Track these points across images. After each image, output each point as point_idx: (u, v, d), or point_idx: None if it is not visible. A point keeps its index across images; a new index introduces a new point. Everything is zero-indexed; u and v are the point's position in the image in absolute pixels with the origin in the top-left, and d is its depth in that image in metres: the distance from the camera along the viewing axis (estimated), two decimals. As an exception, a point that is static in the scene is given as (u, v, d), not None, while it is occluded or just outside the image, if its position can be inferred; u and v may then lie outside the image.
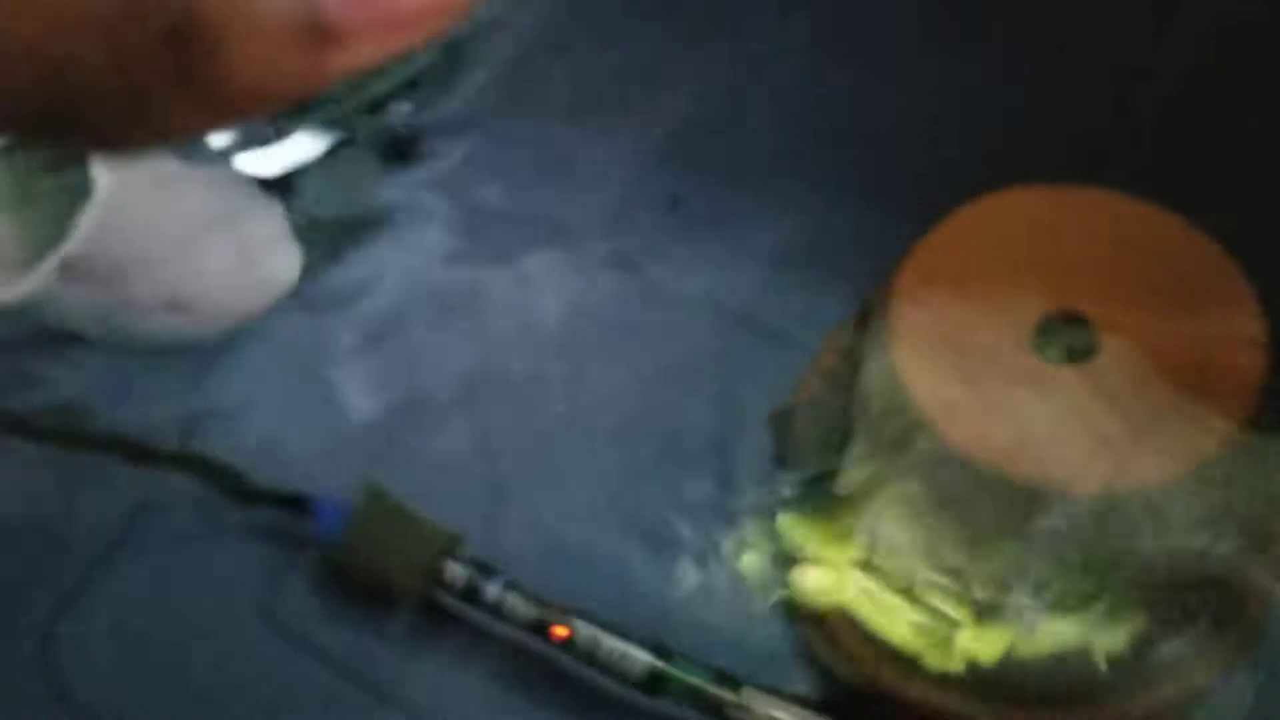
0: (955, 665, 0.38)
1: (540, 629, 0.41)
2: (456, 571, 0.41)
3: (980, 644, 0.38)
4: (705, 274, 0.48)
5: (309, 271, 0.47)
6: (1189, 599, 0.38)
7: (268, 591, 0.44)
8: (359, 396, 0.45)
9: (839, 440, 0.41)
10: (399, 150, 0.48)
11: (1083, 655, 0.38)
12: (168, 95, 0.15)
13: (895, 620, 0.39)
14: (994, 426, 0.37)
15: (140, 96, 0.15)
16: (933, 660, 0.39)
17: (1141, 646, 0.38)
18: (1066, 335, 0.39)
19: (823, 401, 0.42)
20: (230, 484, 0.44)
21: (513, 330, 0.47)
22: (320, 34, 0.16)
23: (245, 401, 0.46)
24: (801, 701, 0.40)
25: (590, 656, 0.40)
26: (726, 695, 0.39)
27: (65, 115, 0.15)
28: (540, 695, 0.42)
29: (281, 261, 0.46)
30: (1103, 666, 0.37)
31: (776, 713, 0.39)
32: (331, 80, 0.16)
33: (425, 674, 0.42)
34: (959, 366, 0.38)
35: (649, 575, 0.42)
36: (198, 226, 0.42)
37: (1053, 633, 0.38)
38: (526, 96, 0.48)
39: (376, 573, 0.42)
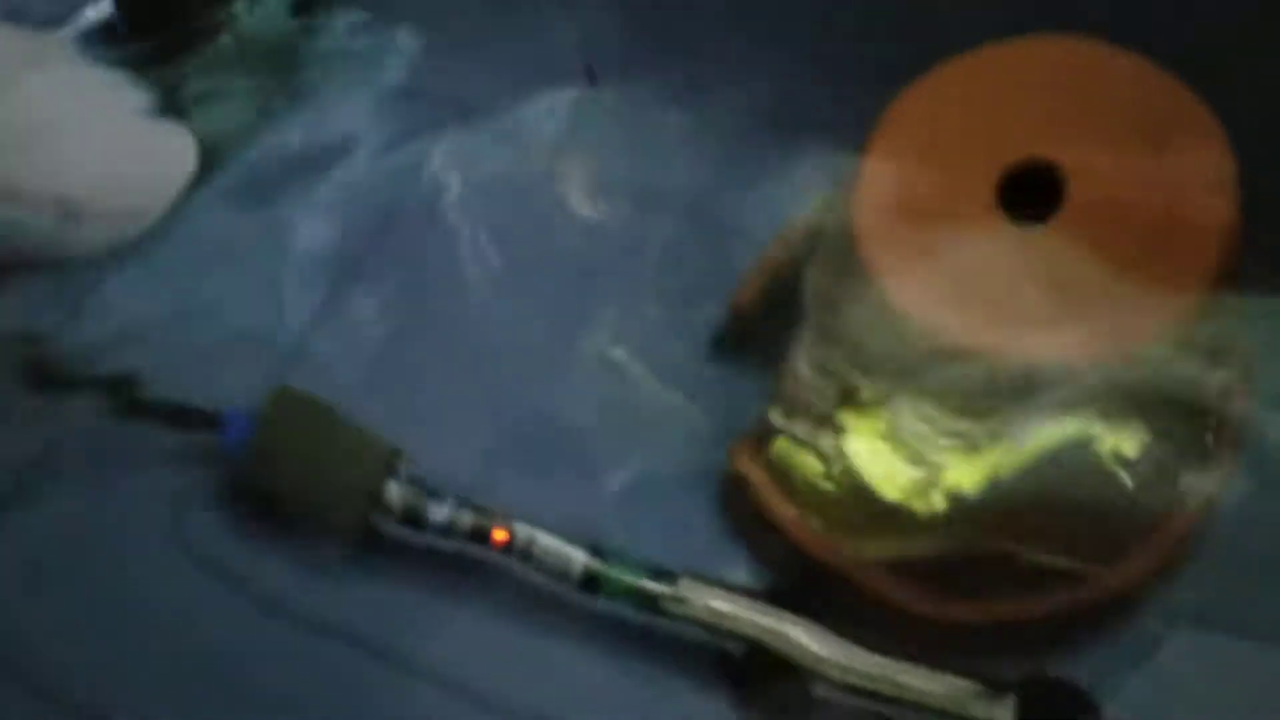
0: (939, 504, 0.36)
1: (481, 536, 0.39)
2: (396, 493, 0.39)
3: (965, 473, 0.36)
4: (653, 155, 0.45)
5: (211, 157, 0.44)
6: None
7: (181, 516, 0.41)
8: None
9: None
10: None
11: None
12: None
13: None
14: (958, 299, 0.36)
15: None
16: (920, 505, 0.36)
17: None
18: (1034, 189, 0.37)
19: (775, 288, 0.40)
20: (134, 401, 0.41)
21: (447, 221, 0.44)
22: None
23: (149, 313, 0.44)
24: (741, 590, 0.38)
25: (529, 558, 0.38)
26: (662, 589, 0.38)
27: None
28: (480, 602, 0.40)
29: (173, 145, 0.42)
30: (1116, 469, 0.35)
31: (715, 603, 0.37)
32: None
33: (355, 595, 0.40)
34: (923, 236, 0.37)
35: (586, 476, 0.41)
36: (71, 110, 0.39)
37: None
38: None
39: (306, 501, 0.40)
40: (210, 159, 0.43)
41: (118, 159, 0.41)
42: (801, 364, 0.38)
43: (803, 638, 0.36)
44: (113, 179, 0.41)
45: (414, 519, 0.39)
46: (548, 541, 0.38)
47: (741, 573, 0.39)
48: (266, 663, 0.39)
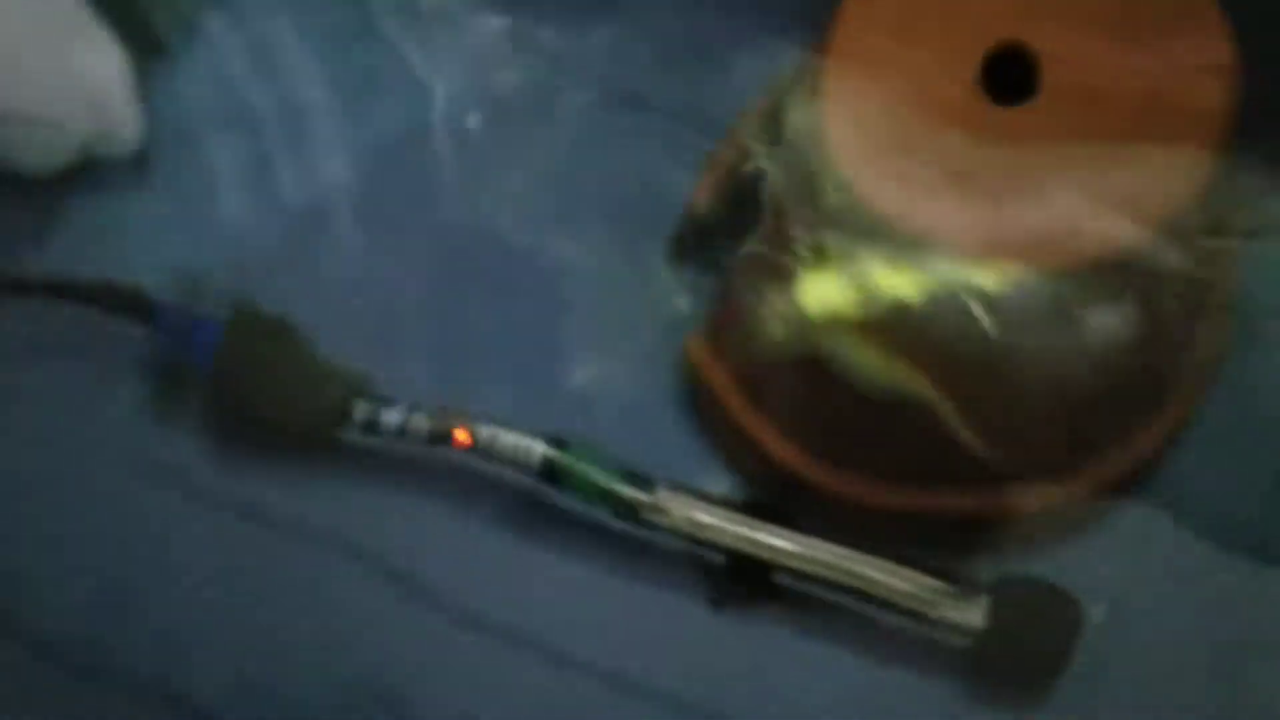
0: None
1: (442, 438, 0.38)
2: (362, 410, 0.38)
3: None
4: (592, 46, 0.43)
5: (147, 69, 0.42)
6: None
7: (143, 429, 0.40)
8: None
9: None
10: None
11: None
12: None
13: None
14: (937, 203, 0.34)
15: None
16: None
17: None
18: (1011, 75, 0.35)
19: (731, 187, 0.39)
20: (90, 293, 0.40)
21: (399, 123, 0.42)
22: None
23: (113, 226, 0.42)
24: (722, 502, 0.37)
25: (491, 456, 0.37)
26: (639, 496, 0.37)
27: None
28: (447, 503, 0.39)
29: (89, 56, 0.39)
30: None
31: (696, 514, 0.37)
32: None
33: (324, 499, 0.39)
34: (895, 132, 0.35)
35: (549, 378, 0.40)
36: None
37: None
38: None
39: (274, 419, 0.39)
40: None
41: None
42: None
43: (775, 540, 0.36)
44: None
45: (370, 426, 0.38)
46: (510, 438, 0.37)
47: (708, 474, 0.38)
48: (231, 561, 0.38)
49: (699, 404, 0.39)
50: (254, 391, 0.38)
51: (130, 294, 0.39)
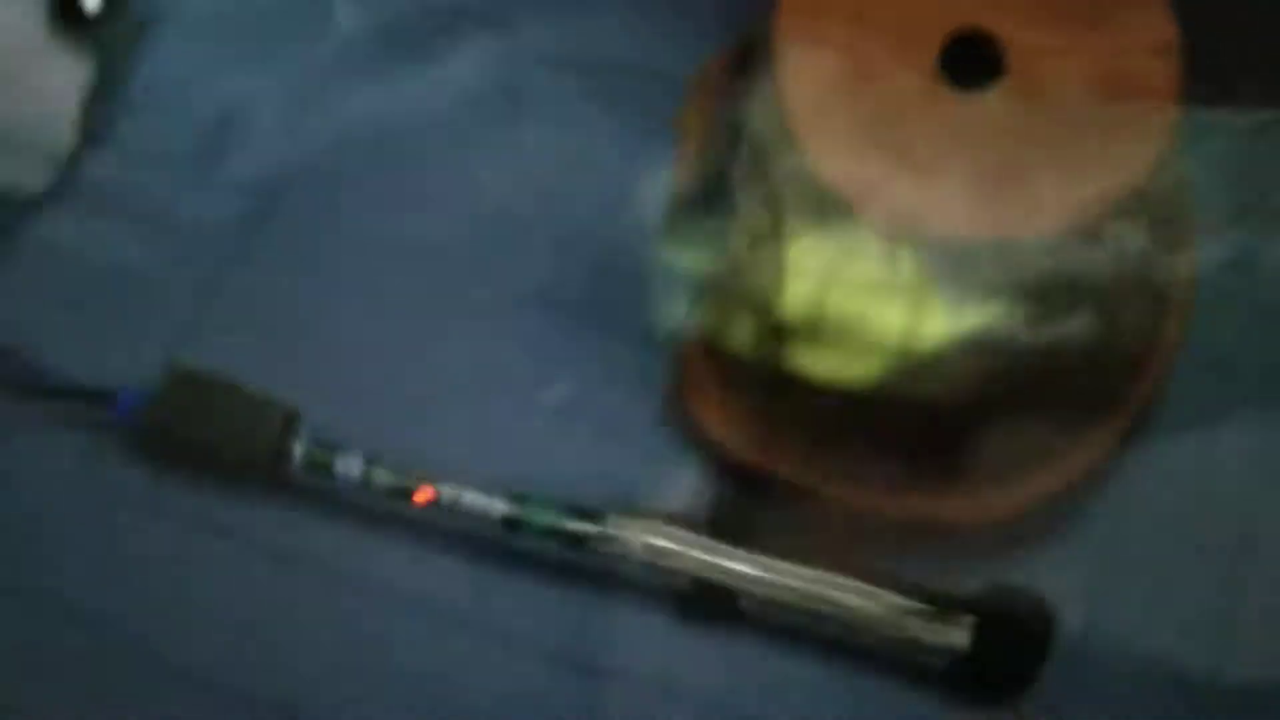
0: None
1: (403, 495, 0.37)
2: (300, 452, 0.38)
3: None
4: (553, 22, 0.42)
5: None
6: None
7: (85, 472, 0.39)
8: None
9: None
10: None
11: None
12: None
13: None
14: (902, 182, 0.33)
15: None
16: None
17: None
18: (971, 58, 0.35)
19: (702, 164, 0.38)
20: (27, 378, 0.40)
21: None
22: None
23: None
24: (678, 522, 0.36)
25: (452, 513, 0.37)
26: (588, 528, 0.36)
27: None
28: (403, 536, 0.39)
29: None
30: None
31: (649, 539, 0.36)
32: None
33: (277, 519, 0.39)
34: (859, 109, 0.34)
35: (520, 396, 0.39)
36: None
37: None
38: None
39: (209, 460, 0.38)
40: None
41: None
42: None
43: (737, 565, 0.35)
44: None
45: (317, 468, 0.37)
46: (471, 497, 0.37)
47: (687, 484, 0.37)
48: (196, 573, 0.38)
49: (678, 410, 0.38)
50: (187, 444, 0.38)
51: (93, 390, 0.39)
